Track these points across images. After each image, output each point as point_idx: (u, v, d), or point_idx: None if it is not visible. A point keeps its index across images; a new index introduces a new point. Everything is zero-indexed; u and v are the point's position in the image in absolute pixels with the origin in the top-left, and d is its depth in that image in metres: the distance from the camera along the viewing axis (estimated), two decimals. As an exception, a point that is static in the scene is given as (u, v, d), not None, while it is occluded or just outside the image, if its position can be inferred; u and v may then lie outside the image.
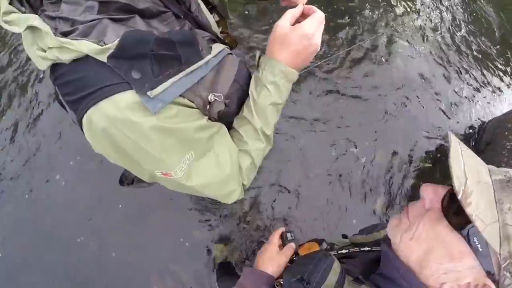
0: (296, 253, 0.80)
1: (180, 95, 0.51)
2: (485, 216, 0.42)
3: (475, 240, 0.44)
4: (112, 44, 0.44)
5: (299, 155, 2.27)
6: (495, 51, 4.27)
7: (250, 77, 0.67)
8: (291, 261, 0.77)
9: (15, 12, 0.48)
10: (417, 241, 0.49)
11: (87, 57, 0.45)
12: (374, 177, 2.38)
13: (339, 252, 0.72)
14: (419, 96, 3.01)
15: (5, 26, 0.49)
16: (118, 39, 0.44)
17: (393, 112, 2.80)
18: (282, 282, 0.66)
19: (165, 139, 0.50)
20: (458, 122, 3.11)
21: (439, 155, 2.73)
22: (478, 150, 2.84)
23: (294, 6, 0.66)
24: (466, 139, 3.01)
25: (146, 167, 0.53)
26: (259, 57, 0.66)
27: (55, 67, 0.49)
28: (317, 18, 0.63)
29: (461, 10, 4.43)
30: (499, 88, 3.88)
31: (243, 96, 0.66)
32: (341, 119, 2.54)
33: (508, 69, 4.23)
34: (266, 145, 0.69)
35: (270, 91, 0.63)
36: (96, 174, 1.99)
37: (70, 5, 0.47)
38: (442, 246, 0.46)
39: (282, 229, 0.85)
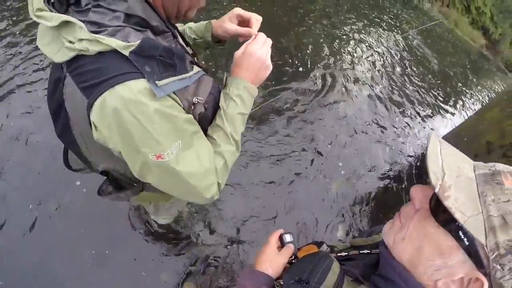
0: (295, 256, 0.78)
1: (174, 93, 0.63)
2: (466, 208, 0.42)
3: (461, 234, 0.43)
4: (135, 43, 0.56)
5: (252, 188, 2.38)
6: (436, 85, 4.95)
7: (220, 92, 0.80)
8: (290, 263, 0.76)
9: (46, 10, 0.59)
10: (408, 241, 0.50)
11: (110, 52, 0.56)
12: (338, 201, 2.56)
13: (339, 254, 0.71)
14: (365, 131, 3.37)
15: (36, 19, 0.59)
16: (139, 41, 0.56)
17: (347, 143, 3.08)
18: (282, 283, 0.65)
19: (164, 123, 0.60)
20: (406, 146, 3.45)
21: (390, 180, 2.98)
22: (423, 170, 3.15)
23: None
24: (414, 159, 3.32)
25: (143, 149, 0.61)
26: (226, 78, 0.81)
27: (76, 59, 0.59)
28: (259, 39, 0.82)
29: (405, 52, 5.22)
30: (440, 115, 4.42)
31: (216, 107, 0.77)
32: (300, 148, 2.79)
33: (445, 97, 4.84)
34: (236, 148, 0.80)
35: (237, 103, 0.77)
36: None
37: (98, 14, 0.59)
38: (431, 243, 0.46)
39: (280, 231, 0.83)
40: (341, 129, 3.17)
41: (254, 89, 0.81)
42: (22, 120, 2.23)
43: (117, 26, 0.58)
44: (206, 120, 0.76)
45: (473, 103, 5.61)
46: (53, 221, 1.88)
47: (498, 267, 0.40)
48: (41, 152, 2.09)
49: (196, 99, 0.69)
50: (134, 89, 0.56)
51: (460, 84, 5.95)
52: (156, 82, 0.57)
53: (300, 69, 3.62)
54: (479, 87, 6.57)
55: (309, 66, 3.73)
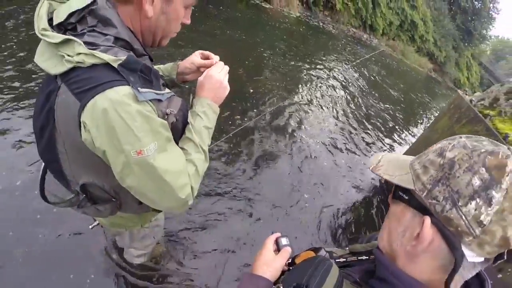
0: (292, 259, 0.78)
1: (151, 101, 0.74)
2: (394, 172, 0.51)
3: (400, 193, 0.50)
4: (122, 58, 0.68)
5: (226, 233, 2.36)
6: (395, 109, 5.34)
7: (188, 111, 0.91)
8: (288, 269, 0.76)
9: (49, 30, 0.71)
10: (384, 227, 0.56)
11: (102, 64, 0.68)
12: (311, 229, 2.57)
13: (337, 260, 0.72)
14: (327, 157, 3.55)
15: (41, 36, 0.71)
16: (126, 56, 0.69)
17: (309, 169, 3.19)
18: (281, 287, 0.65)
19: (144, 122, 0.70)
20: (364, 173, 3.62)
21: (358, 202, 3.11)
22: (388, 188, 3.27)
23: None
24: (377, 181, 3.47)
25: (125, 147, 0.70)
26: (192, 100, 0.95)
27: (71, 70, 0.69)
28: (218, 65, 0.99)
29: (364, 81, 5.66)
30: (400, 136, 4.74)
31: (185, 122, 0.88)
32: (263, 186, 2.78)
33: (405, 119, 5.19)
34: (204, 157, 0.90)
35: (202, 118, 0.90)
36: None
37: (92, 37, 0.72)
38: (392, 217, 0.54)
39: (277, 234, 0.84)
40: (301, 156, 3.29)
41: (216, 107, 0.95)
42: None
43: (108, 46, 0.72)
44: (177, 131, 0.86)
45: (430, 120, 6.08)
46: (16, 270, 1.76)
47: (434, 201, 0.45)
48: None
49: (169, 110, 0.80)
50: (121, 92, 0.68)
51: (417, 105, 6.47)
52: (139, 88, 0.70)
53: (263, 100, 3.83)
54: (433, 105, 7.15)
55: (269, 99, 3.95)
